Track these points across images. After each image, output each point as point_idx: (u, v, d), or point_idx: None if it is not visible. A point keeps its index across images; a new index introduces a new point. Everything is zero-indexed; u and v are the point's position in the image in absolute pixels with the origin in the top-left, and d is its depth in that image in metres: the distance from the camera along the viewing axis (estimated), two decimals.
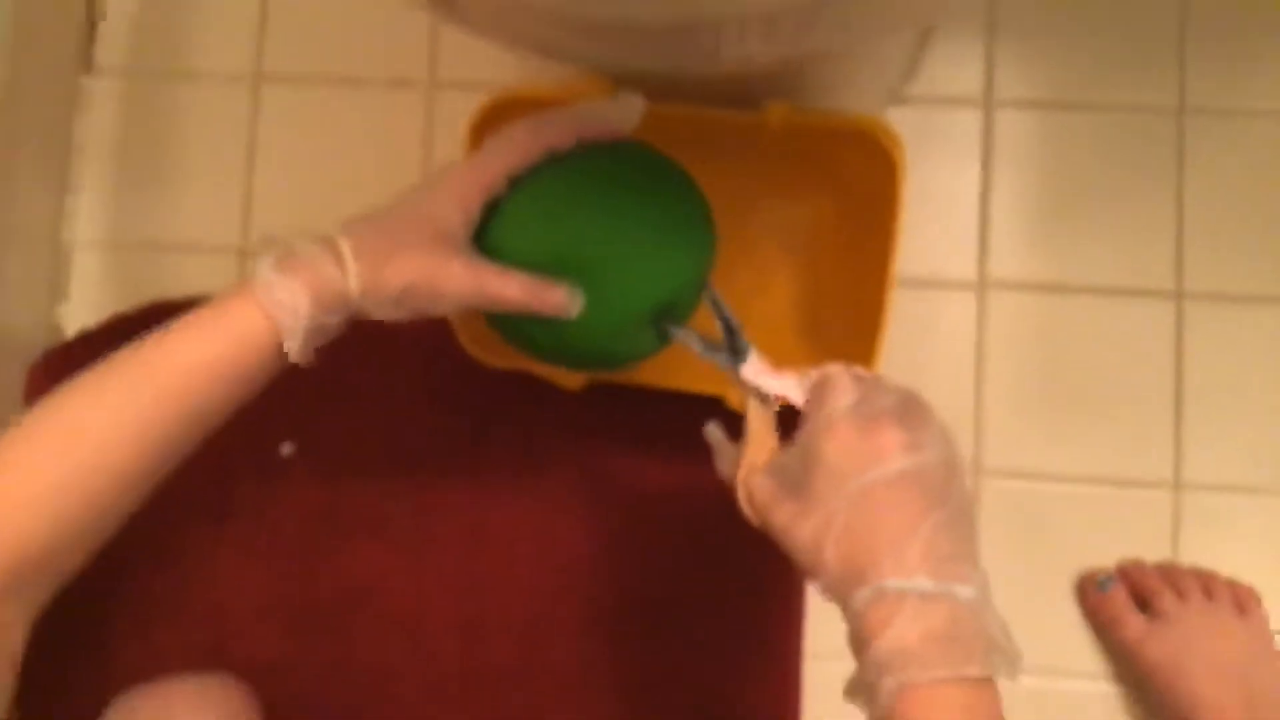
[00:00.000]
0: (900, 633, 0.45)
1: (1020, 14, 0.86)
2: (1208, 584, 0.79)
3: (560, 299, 0.57)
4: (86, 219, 0.90)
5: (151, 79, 0.91)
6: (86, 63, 0.92)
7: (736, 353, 0.58)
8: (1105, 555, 0.82)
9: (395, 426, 0.83)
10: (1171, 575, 0.79)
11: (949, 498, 0.48)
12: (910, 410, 0.50)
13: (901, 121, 0.83)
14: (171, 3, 0.92)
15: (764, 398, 0.56)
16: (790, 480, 0.51)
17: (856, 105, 0.83)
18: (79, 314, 0.89)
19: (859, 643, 0.47)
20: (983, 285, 0.84)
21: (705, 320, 0.62)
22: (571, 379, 0.74)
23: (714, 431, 0.60)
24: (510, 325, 0.62)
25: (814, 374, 0.54)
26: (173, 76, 0.91)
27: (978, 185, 0.85)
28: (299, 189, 0.88)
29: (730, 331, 0.59)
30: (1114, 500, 0.82)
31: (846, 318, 0.77)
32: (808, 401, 0.53)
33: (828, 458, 0.48)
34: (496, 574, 0.81)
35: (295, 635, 0.81)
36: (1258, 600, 0.79)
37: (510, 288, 0.55)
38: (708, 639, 0.80)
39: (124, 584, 0.81)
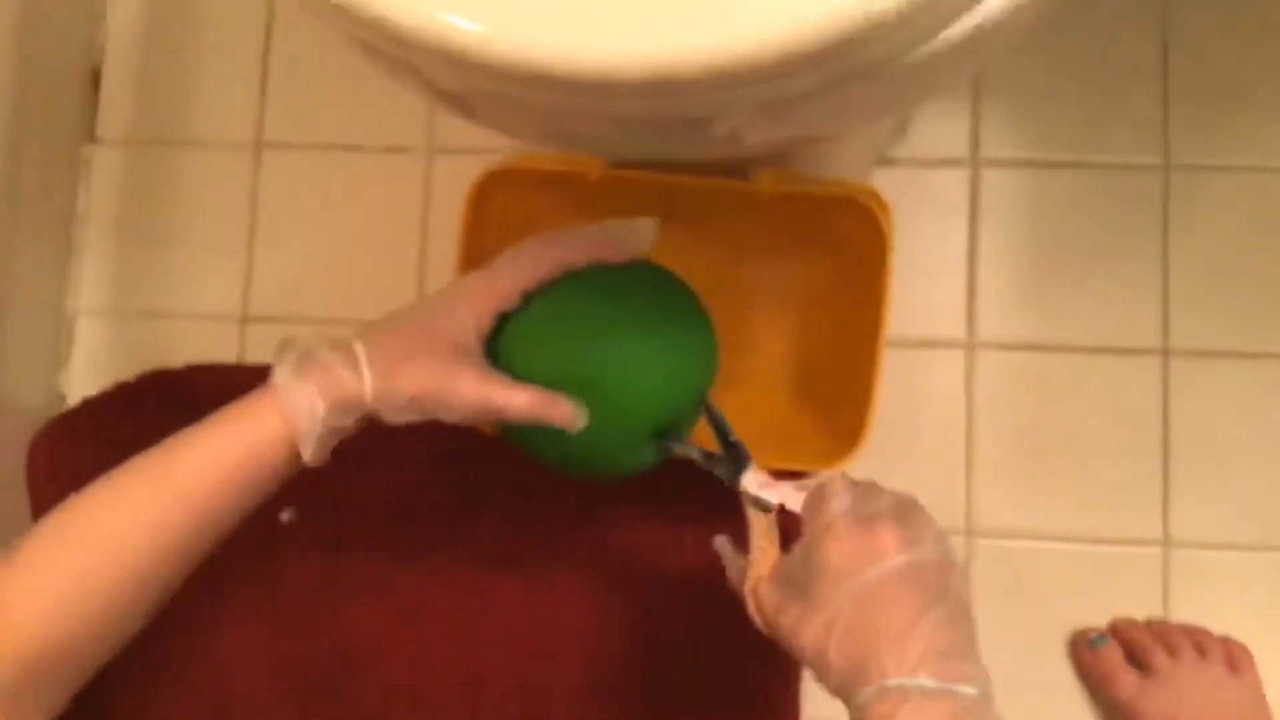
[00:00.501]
0: None
1: (1005, 74, 0.87)
2: (1200, 641, 0.79)
3: (567, 413, 0.58)
4: (89, 287, 0.92)
5: (153, 147, 0.93)
6: (89, 131, 0.94)
7: (736, 462, 0.60)
8: (1096, 613, 0.82)
9: (395, 491, 0.84)
10: (1163, 633, 0.80)
11: (947, 594, 0.49)
12: (906, 510, 0.51)
13: (889, 181, 0.85)
14: (172, 71, 0.94)
15: (764, 506, 0.58)
16: (794, 586, 0.52)
17: (844, 168, 0.84)
18: (81, 381, 0.90)
19: None
20: (971, 344, 0.86)
21: (703, 429, 0.64)
22: None
23: (723, 545, 0.61)
24: (516, 432, 0.64)
25: (810, 483, 0.56)
26: (174, 144, 0.92)
27: (965, 244, 0.87)
28: (300, 256, 0.90)
29: (728, 444, 0.61)
30: (1104, 558, 0.83)
31: (839, 377, 0.78)
32: (805, 507, 0.55)
33: (827, 559, 0.50)
34: (496, 637, 0.82)
35: (298, 700, 0.81)
36: (1250, 657, 0.79)
37: (517, 400, 0.57)
38: (706, 702, 0.80)
39: (125, 654, 0.81)
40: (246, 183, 0.91)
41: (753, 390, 0.80)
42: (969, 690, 0.46)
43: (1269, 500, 0.83)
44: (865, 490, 0.53)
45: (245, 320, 0.89)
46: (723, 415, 0.62)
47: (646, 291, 0.63)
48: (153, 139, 0.93)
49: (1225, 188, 0.85)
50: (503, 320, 0.59)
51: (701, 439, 0.64)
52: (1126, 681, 0.78)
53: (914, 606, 0.48)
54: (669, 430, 0.63)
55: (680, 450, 0.63)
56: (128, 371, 0.87)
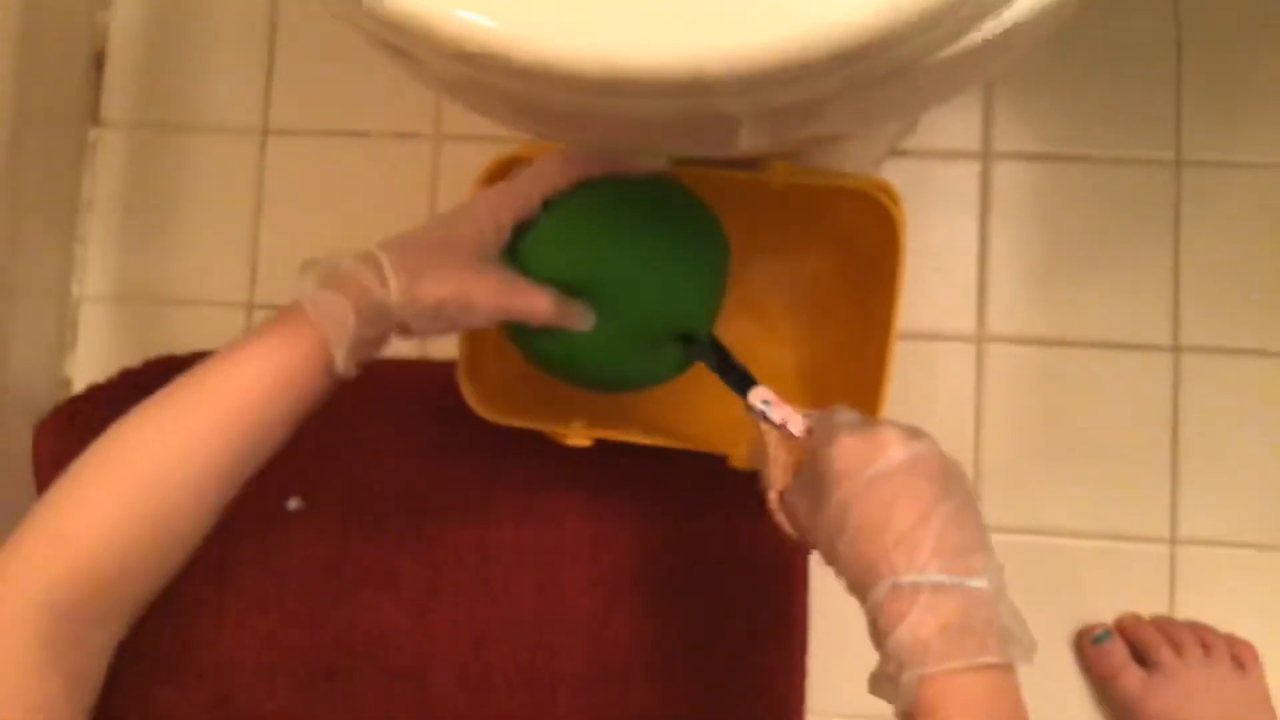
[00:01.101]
0: (915, 625, 0.46)
1: (1017, 68, 0.87)
2: (1205, 639, 0.79)
3: (581, 316, 0.61)
4: (94, 273, 0.91)
5: (158, 132, 0.92)
6: (93, 115, 0.93)
7: (743, 380, 0.61)
8: (1103, 609, 0.83)
9: (401, 481, 0.84)
10: (1169, 630, 0.80)
11: (952, 487, 0.49)
12: (905, 424, 0.52)
13: (900, 174, 0.85)
14: (177, 55, 0.93)
15: (770, 421, 0.58)
16: (811, 492, 0.53)
17: (856, 162, 0.84)
18: (87, 368, 0.90)
19: (878, 636, 0.48)
20: (981, 338, 0.85)
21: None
22: (577, 436, 0.75)
23: (751, 453, 0.62)
24: (527, 339, 0.65)
25: (815, 412, 0.57)
26: (179, 129, 0.92)
27: (976, 237, 0.86)
28: (305, 242, 0.89)
29: (725, 358, 0.63)
30: (1111, 555, 0.83)
31: (850, 369, 0.78)
32: (811, 427, 0.56)
33: (835, 462, 0.50)
34: (502, 626, 0.82)
35: (302, 689, 0.82)
36: (1255, 655, 0.79)
37: (538, 302, 0.59)
38: (711, 688, 0.80)
39: (130, 640, 0.81)
40: (252, 168, 0.91)
41: (764, 380, 0.79)
42: (979, 583, 0.47)
43: (1277, 499, 0.83)
44: (867, 419, 0.54)
45: (251, 307, 0.89)
46: (725, 346, 0.64)
47: (662, 200, 0.64)
48: (157, 123, 0.93)
49: (1238, 184, 0.85)
50: (521, 228, 0.60)
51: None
52: (1132, 677, 0.79)
53: (922, 502, 0.48)
54: (685, 338, 0.64)
55: (698, 354, 0.64)
56: (133, 358, 0.87)
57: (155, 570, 0.52)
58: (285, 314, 0.55)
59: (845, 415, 0.54)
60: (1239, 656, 0.79)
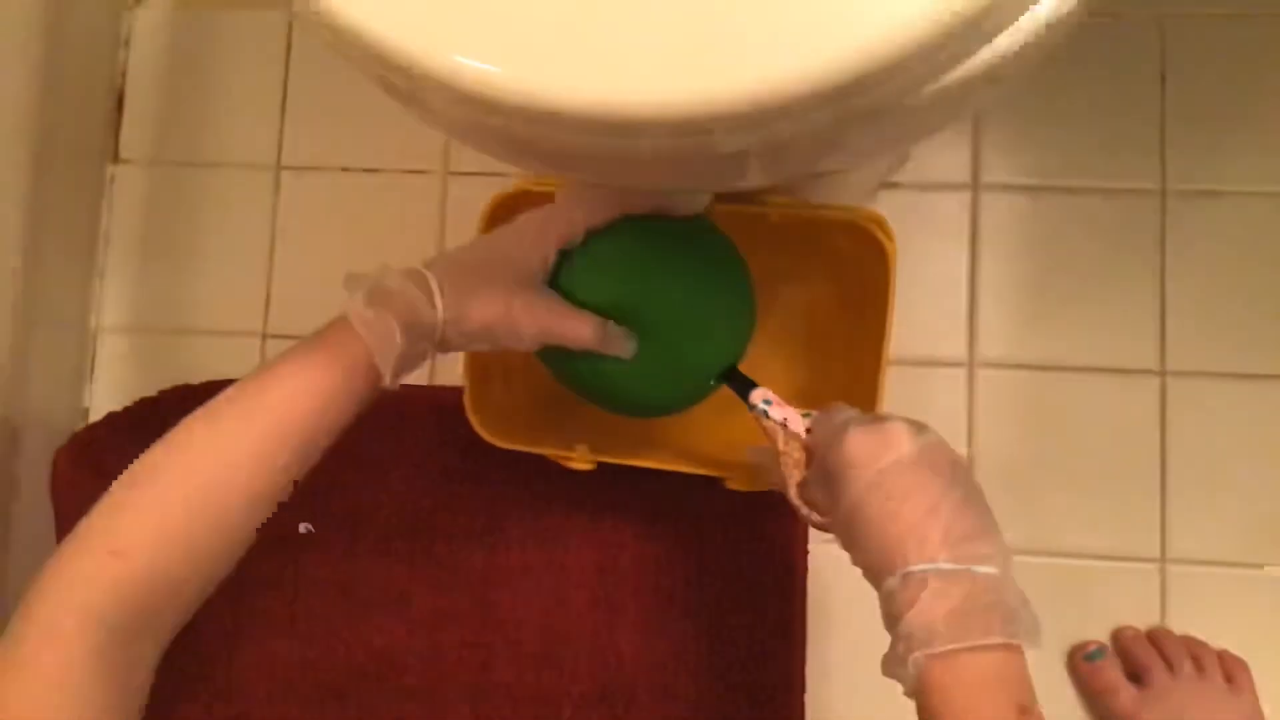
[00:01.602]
0: (924, 610, 0.48)
1: (1005, 101, 0.90)
2: (1198, 655, 0.81)
3: (624, 343, 0.62)
4: (113, 304, 0.94)
5: (175, 168, 0.96)
6: (113, 153, 0.96)
7: (745, 384, 0.63)
8: (1094, 629, 0.84)
9: (409, 505, 0.86)
10: (1163, 645, 0.82)
11: (959, 478, 0.51)
12: (910, 419, 0.54)
13: (892, 205, 0.88)
14: (194, 95, 0.96)
15: (772, 419, 0.60)
16: (824, 484, 0.55)
17: (851, 195, 0.87)
18: (105, 397, 0.92)
19: (890, 621, 0.50)
20: (972, 363, 0.88)
21: None
22: (581, 460, 0.77)
23: (756, 453, 0.64)
24: (560, 361, 0.66)
25: (814, 412, 0.59)
26: (196, 166, 0.95)
27: (966, 266, 0.89)
28: (318, 275, 0.91)
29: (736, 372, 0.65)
30: (1102, 574, 0.85)
31: (843, 396, 0.79)
32: (814, 424, 0.58)
33: (845, 454, 0.52)
34: (509, 646, 0.84)
35: (315, 708, 0.83)
36: (1247, 672, 0.81)
37: (585, 329, 0.60)
38: (712, 703, 0.82)
39: None
40: (266, 203, 0.94)
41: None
42: (986, 569, 0.48)
43: (1265, 518, 0.85)
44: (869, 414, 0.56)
45: (265, 337, 0.92)
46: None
47: (700, 238, 0.66)
48: (175, 160, 0.96)
49: (1221, 212, 0.88)
50: (564, 255, 0.62)
51: None
52: (1124, 695, 0.80)
53: (931, 493, 0.50)
54: (718, 374, 0.66)
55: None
56: (150, 387, 0.90)
57: (203, 582, 0.52)
58: (331, 329, 0.56)
59: (847, 412, 0.56)
60: (1231, 673, 0.80)
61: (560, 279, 0.62)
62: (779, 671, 0.82)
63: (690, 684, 0.82)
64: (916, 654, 0.48)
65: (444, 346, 0.59)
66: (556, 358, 0.66)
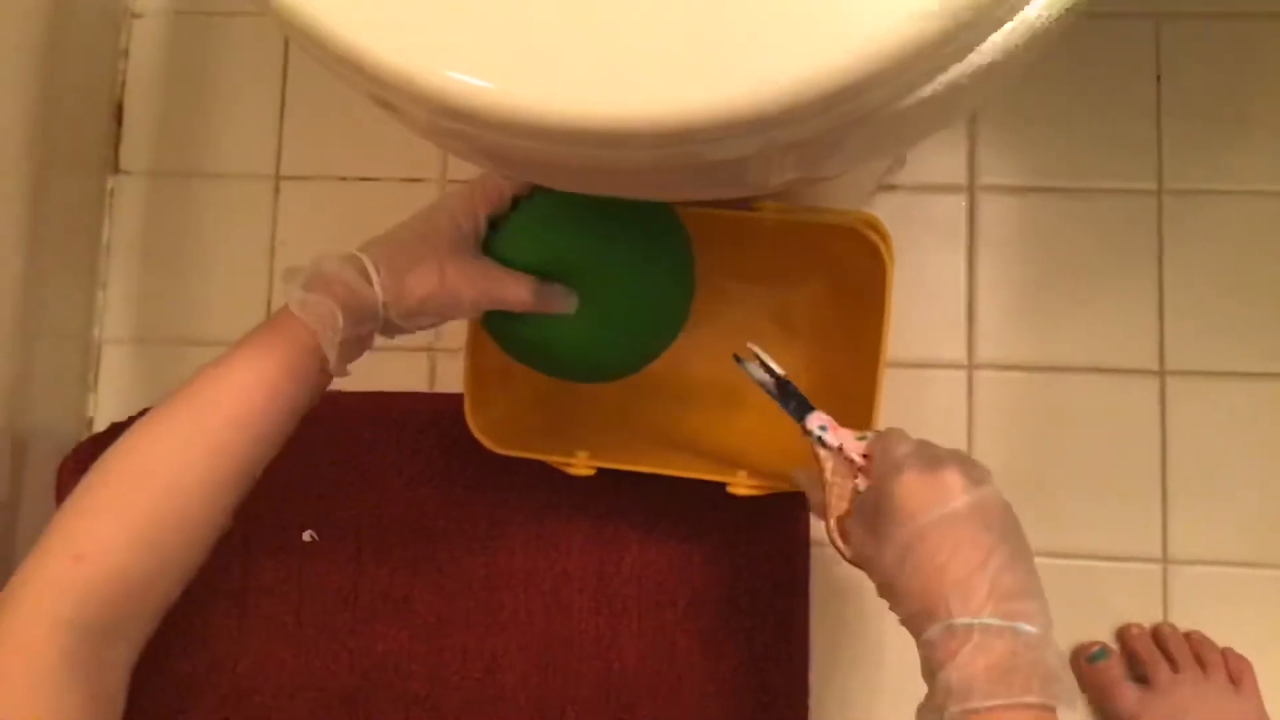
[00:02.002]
0: (965, 663, 0.48)
1: (1001, 102, 0.90)
2: (1202, 654, 0.81)
3: (563, 300, 0.63)
4: (114, 316, 0.94)
5: (175, 179, 0.96)
6: (113, 164, 0.96)
7: (800, 405, 0.63)
8: (1096, 629, 0.84)
9: (412, 512, 0.86)
10: (1167, 644, 0.82)
11: (1010, 534, 0.51)
12: (965, 457, 0.54)
13: (889, 207, 0.88)
14: (193, 106, 0.97)
15: (827, 445, 0.60)
16: (869, 521, 0.55)
17: (847, 197, 0.87)
18: (109, 407, 0.93)
19: (929, 671, 0.50)
20: (971, 365, 0.88)
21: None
22: (581, 466, 0.78)
23: (800, 475, 0.64)
24: (506, 331, 0.67)
25: (869, 433, 0.59)
26: (196, 177, 0.96)
27: (964, 268, 0.89)
28: None
29: (785, 389, 0.64)
30: (1104, 575, 0.85)
31: (841, 399, 0.80)
32: (873, 451, 0.58)
33: (897, 497, 0.53)
34: (512, 651, 0.84)
35: (320, 714, 0.84)
36: (1251, 671, 0.81)
37: (522, 288, 0.61)
38: (715, 708, 0.82)
39: (153, 669, 0.84)
40: (266, 213, 0.94)
41: (757, 412, 0.82)
42: (1029, 628, 0.49)
43: (1266, 517, 0.85)
44: (924, 441, 0.56)
45: None
46: (783, 371, 0.65)
47: (628, 201, 0.66)
48: (174, 171, 0.96)
49: (1218, 211, 0.88)
50: (494, 222, 0.63)
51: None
52: (1127, 694, 0.80)
53: (980, 548, 0.50)
54: (776, 389, 0.65)
55: (755, 377, 0.65)
56: (153, 397, 0.88)
57: (170, 581, 0.52)
58: (274, 319, 0.56)
59: (904, 446, 0.55)
60: (1235, 673, 0.80)
61: (491, 246, 0.63)
62: (782, 676, 0.82)
63: (693, 689, 0.83)
64: (953, 708, 0.48)
65: (388, 328, 0.59)
66: (501, 327, 0.67)
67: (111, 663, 0.49)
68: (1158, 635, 0.83)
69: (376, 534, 0.86)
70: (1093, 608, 0.85)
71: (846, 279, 0.81)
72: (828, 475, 0.59)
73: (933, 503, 0.51)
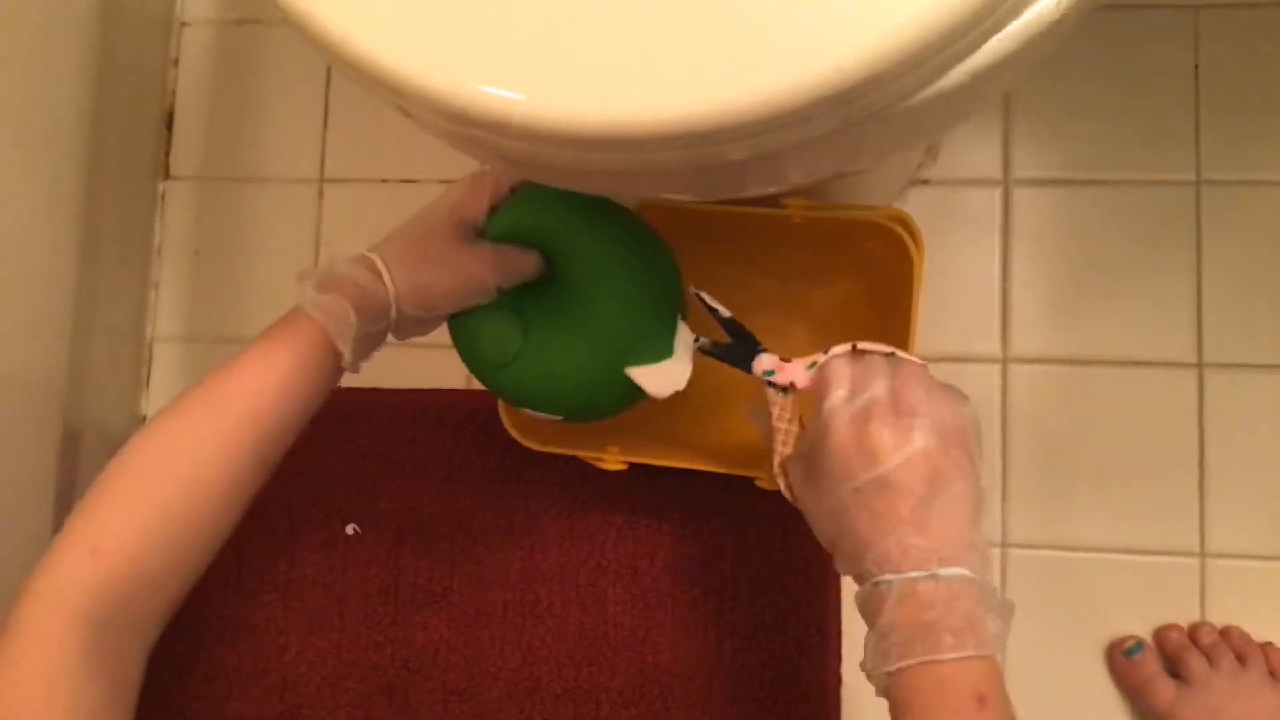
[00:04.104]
0: (885, 623, 0.49)
1: (1035, 94, 0.89)
2: (1241, 649, 0.80)
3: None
4: (166, 315, 0.97)
5: (223, 183, 0.99)
6: (163, 169, 0.99)
7: (748, 350, 0.61)
8: (1133, 623, 0.84)
9: (451, 507, 0.88)
10: (1205, 640, 0.81)
11: (940, 484, 0.50)
12: (900, 395, 0.52)
13: (922, 202, 0.88)
14: (240, 113, 0.99)
15: (778, 387, 0.59)
16: (811, 467, 0.54)
17: (878, 193, 0.87)
18: (160, 403, 0.96)
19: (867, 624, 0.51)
20: (1006, 359, 0.88)
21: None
22: (613, 461, 0.79)
23: (753, 413, 0.63)
24: (503, 382, 0.67)
25: (821, 357, 0.57)
26: (243, 181, 0.98)
27: (999, 261, 0.89)
28: None
29: (739, 335, 0.62)
30: (1141, 569, 0.84)
31: None
32: (812, 391, 0.56)
33: (825, 462, 0.52)
34: (548, 643, 0.86)
35: (362, 704, 0.86)
36: None
37: (531, 262, 0.63)
38: (748, 701, 0.83)
39: (199, 659, 0.87)
40: (310, 215, 0.96)
41: None
42: (954, 571, 0.48)
43: None
44: (862, 375, 0.54)
45: None
46: (730, 313, 0.64)
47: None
48: (223, 176, 0.99)
49: (1257, 202, 0.86)
50: (492, 212, 0.64)
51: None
52: (1163, 689, 0.80)
53: (902, 506, 0.50)
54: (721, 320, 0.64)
55: (686, 342, 0.65)
56: None
57: (185, 575, 0.53)
58: (286, 319, 0.58)
59: (837, 392, 0.53)
60: (1274, 666, 0.79)
61: (490, 230, 0.64)
62: (814, 669, 0.83)
63: (726, 681, 0.84)
64: (880, 669, 0.49)
65: (400, 326, 0.60)
66: (499, 380, 0.66)
67: (127, 655, 0.50)
68: (1194, 633, 0.82)
69: (416, 528, 0.88)
70: (1129, 602, 0.84)
71: (878, 275, 0.81)
72: (774, 419, 0.58)
73: (856, 470, 0.51)
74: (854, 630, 0.85)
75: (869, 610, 0.51)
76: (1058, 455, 0.86)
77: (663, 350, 0.65)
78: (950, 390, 0.54)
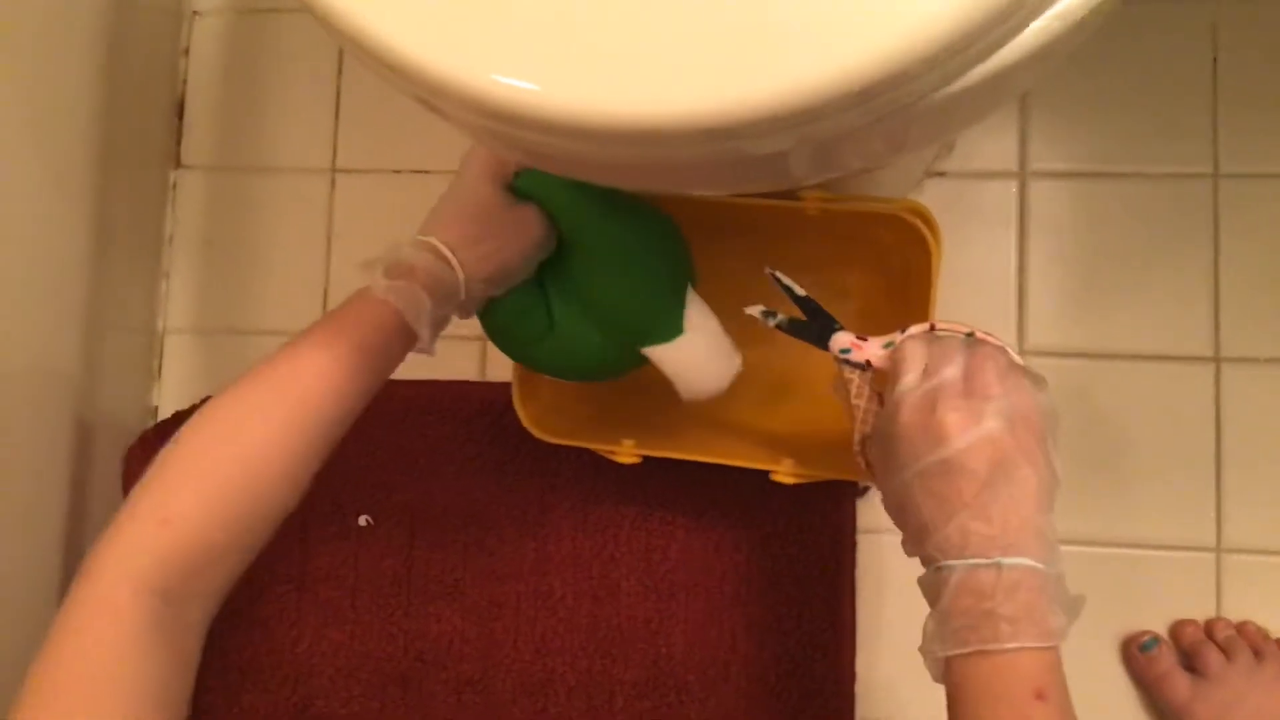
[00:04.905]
0: (944, 609, 0.48)
1: (1052, 86, 0.89)
2: (1257, 644, 0.80)
3: None
4: (177, 306, 0.97)
5: (235, 173, 0.98)
6: (174, 159, 0.99)
7: (823, 329, 0.61)
8: (1150, 618, 0.84)
9: (464, 498, 0.88)
10: (1221, 635, 0.81)
11: (1006, 470, 0.49)
12: (974, 376, 0.51)
13: (938, 194, 0.87)
14: (251, 102, 0.99)
15: (855, 365, 0.58)
16: (883, 448, 0.54)
17: (894, 185, 0.87)
18: (172, 396, 0.96)
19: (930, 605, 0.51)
20: (1022, 352, 0.87)
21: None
22: (626, 454, 0.79)
23: (835, 388, 0.62)
24: (523, 347, 0.68)
25: (898, 337, 0.57)
26: (254, 171, 0.98)
27: (1015, 254, 0.88)
28: None
29: (811, 310, 0.62)
30: (1157, 564, 0.84)
31: None
32: (887, 371, 0.56)
33: (894, 441, 0.52)
34: (561, 635, 0.86)
35: (376, 695, 0.86)
36: None
37: (554, 230, 0.65)
38: (761, 694, 0.83)
39: (212, 651, 0.86)
40: (322, 205, 0.96)
41: (803, 401, 0.83)
42: (1016, 561, 0.47)
43: None
44: (939, 354, 0.53)
45: None
46: (806, 292, 0.63)
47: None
48: (234, 165, 0.98)
49: (1275, 196, 0.86)
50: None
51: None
52: (1180, 684, 0.80)
53: (967, 490, 0.49)
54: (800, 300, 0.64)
55: (762, 319, 0.64)
56: (215, 386, 0.90)
57: (247, 548, 0.54)
58: (349, 303, 0.59)
59: (909, 374, 0.52)
60: None
61: (519, 187, 0.64)
62: (828, 662, 0.83)
63: (740, 673, 0.84)
64: (935, 654, 0.49)
65: (466, 307, 0.62)
66: (519, 345, 0.67)
67: (189, 626, 0.51)
68: (1210, 628, 0.82)
69: (429, 519, 0.88)
70: (1145, 597, 0.84)
71: (894, 266, 0.80)
72: (852, 397, 0.58)
73: (922, 452, 0.50)
74: (868, 625, 0.85)
75: (931, 594, 0.50)
76: (1073, 450, 0.85)
77: (674, 328, 0.66)
78: (1028, 374, 0.53)
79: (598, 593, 0.86)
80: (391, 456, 0.89)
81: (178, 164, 0.99)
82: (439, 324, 0.61)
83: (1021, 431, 0.50)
